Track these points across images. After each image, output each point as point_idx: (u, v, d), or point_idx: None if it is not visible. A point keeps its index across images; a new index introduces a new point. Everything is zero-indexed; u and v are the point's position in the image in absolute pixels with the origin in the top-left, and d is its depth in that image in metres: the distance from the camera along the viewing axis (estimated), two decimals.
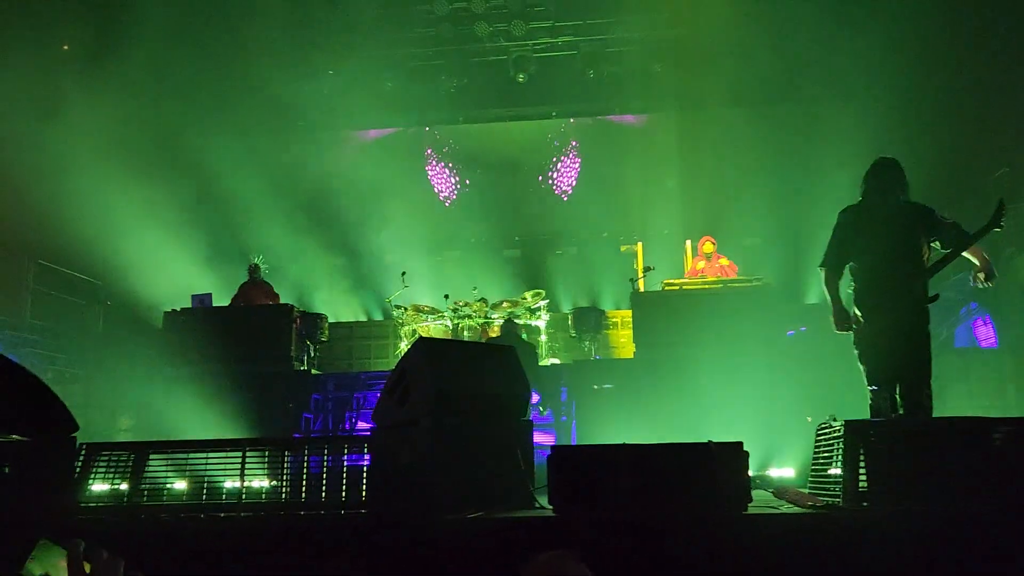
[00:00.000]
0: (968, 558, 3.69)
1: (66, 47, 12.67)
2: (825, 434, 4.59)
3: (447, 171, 16.28)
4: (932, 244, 5.49)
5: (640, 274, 10.79)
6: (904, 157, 5.69)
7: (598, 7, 13.60)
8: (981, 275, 5.44)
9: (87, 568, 1.34)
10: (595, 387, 9.72)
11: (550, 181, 16.07)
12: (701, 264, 10.68)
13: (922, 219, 5.48)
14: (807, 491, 4.76)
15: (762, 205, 12.93)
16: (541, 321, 11.74)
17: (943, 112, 11.72)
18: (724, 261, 10.74)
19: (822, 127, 12.30)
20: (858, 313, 5.48)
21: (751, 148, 13.65)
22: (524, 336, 10.86)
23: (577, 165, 15.99)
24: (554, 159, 16.06)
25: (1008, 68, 11.47)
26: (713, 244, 10.81)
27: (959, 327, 10.51)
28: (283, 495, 4.71)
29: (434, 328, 11.53)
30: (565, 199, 16.00)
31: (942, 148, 11.02)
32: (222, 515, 4.57)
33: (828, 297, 5.55)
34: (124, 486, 4.73)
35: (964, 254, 5.40)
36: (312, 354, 10.39)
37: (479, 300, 11.59)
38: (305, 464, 4.82)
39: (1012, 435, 4.16)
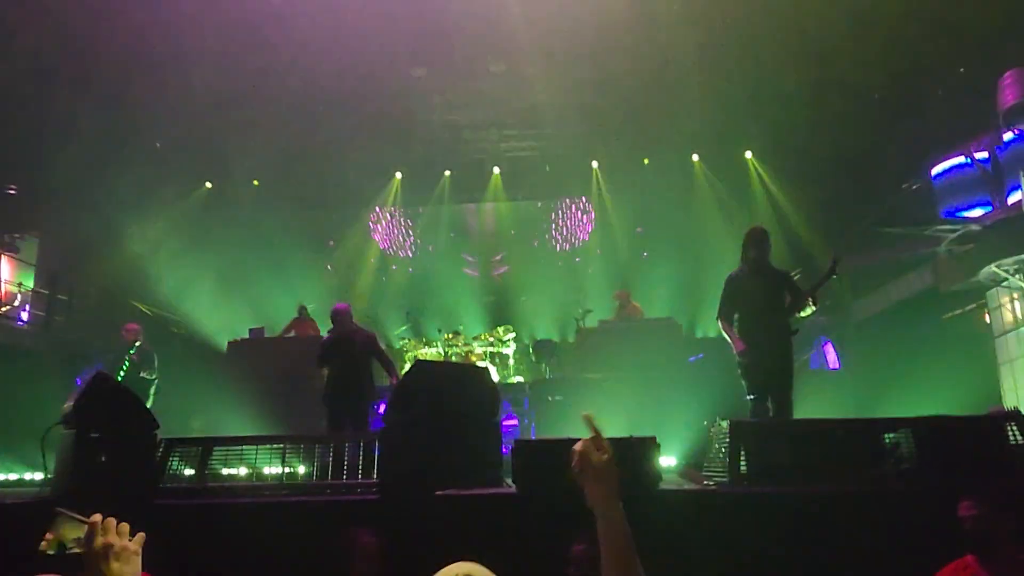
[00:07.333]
0: (815, 520, 3.76)
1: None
2: (716, 431, 4.64)
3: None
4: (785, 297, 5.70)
5: (582, 314, 10.85)
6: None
7: (548, 123, 13.38)
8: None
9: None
10: (549, 398, 9.68)
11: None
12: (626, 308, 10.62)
13: (781, 280, 5.72)
14: (703, 473, 4.79)
15: (671, 268, 12.96)
16: (509, 349, 11.68)
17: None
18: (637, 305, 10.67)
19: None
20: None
21: (661, 227, 13.76)
22: None
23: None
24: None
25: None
26: (628, 293, 10.77)
27: (812, 354, 10.67)
28: (313, 477, 4.65)
29: (430, 354, 11.41)
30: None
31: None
32: (267, 492, 4.49)
33: (727, 337, 5.67)
34: (193, 471, 4.64)
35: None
36: None
37: (453, 332, 11.43)
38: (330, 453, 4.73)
39: (848, 431, 4.27)
